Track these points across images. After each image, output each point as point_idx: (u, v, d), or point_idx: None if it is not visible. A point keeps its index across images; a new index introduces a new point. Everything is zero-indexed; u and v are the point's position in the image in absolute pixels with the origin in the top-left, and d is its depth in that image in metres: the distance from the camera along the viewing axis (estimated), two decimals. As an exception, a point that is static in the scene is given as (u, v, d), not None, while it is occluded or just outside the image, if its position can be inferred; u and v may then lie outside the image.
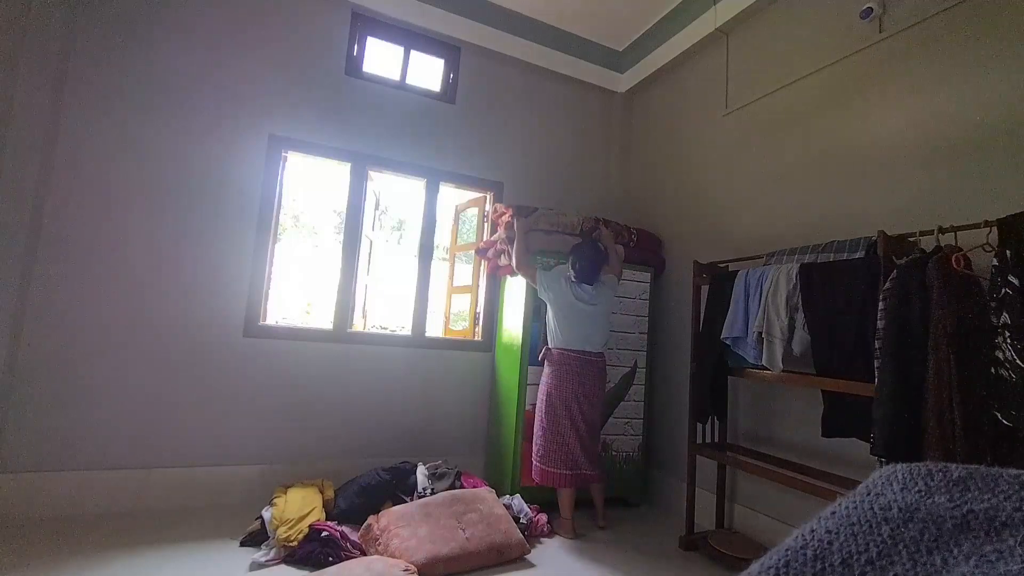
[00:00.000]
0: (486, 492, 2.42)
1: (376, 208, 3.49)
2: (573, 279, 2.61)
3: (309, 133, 2.92)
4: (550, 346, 2.65)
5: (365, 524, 2.17)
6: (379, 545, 2.06)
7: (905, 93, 2.07)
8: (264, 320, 2.79)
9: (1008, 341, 1.37)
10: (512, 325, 2.99)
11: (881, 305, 1.62)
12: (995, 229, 1.49)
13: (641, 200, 3.62)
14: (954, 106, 1.89)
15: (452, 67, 3.38)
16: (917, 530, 0.38)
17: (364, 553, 2.08)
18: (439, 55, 3.35)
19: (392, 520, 2.12)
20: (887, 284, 1.62)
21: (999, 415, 1.37)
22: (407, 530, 2.06)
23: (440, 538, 2.05)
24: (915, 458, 1.18)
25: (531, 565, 2.16)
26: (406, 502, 2.33)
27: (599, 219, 3.15)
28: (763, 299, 2.11)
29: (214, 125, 2.69)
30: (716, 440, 2.54)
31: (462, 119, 3.37)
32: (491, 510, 2.27)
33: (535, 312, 2.86)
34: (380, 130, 3.11)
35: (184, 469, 2.52)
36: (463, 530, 2.13)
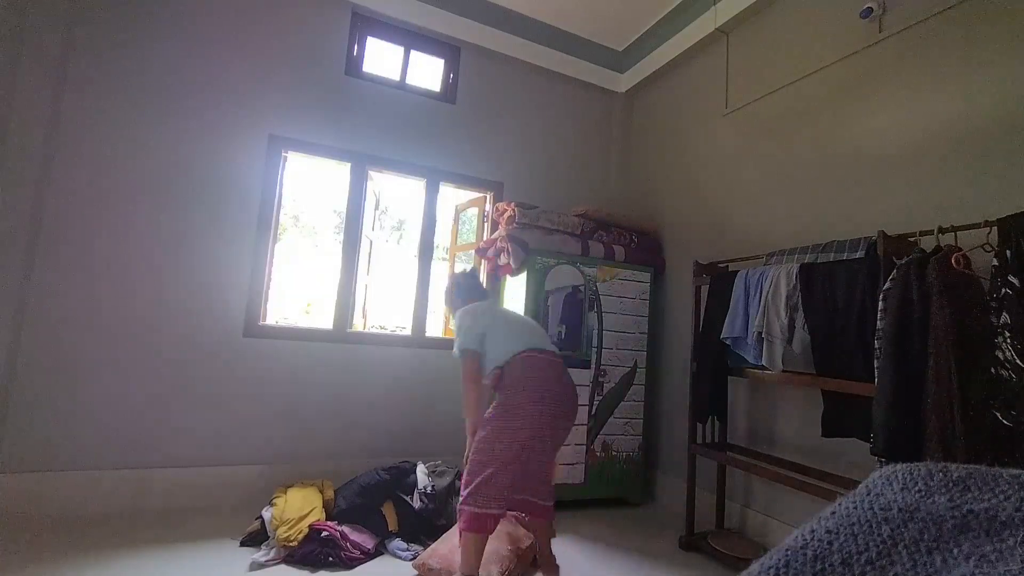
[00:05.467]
0: None
1: (376, 208, 3.49)
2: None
3: (309, 133, 2.91)
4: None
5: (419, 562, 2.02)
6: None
7: (905, 93, 2.06)
8: (264, 320, 2.79)
9: (1008, 341, 1.37)
10: (512, 325, 2.99)
11: (881, 305, 1.62)
12: (995, 229, 1.49)
13: (641, 200, 3.62)
14: (954, 106, 1.89)
15: (452, 67, 3.38)
16: (917, 530, 0.38)
17: (366, 554, 2.09)
18: (439, 55, 3.35)
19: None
20: (887, 284, 1.62)
21: (999, 415, 1.37)
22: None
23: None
24: (915, 458, 1.18)
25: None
26: (406, 501, 2.33)
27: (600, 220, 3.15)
28: (763, 299, 2.11)
29: (214, 125, 2.69)
30: (716, 440, 2.54)
31: (462, 119, 3.37)
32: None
33: (535, 312, 2.86)
34: (380, 130, 3.11)
35: (184, 469, 2.52)
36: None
